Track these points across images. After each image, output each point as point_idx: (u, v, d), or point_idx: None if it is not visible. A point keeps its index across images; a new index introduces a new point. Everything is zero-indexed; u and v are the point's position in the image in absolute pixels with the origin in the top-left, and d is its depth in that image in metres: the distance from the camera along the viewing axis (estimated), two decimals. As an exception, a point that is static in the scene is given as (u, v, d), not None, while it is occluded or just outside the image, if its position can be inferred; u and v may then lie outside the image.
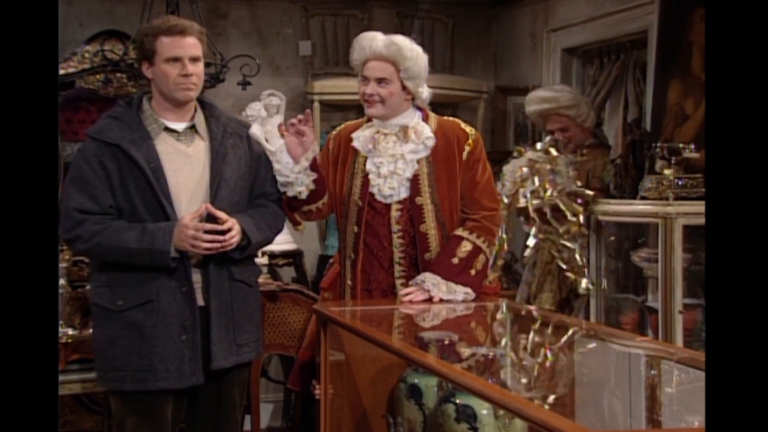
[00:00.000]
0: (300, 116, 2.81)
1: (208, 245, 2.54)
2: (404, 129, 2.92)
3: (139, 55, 2.67)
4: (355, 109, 5.17)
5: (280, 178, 2.82)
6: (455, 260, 2.85)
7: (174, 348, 2.56)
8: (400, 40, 2.89)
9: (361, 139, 2.96)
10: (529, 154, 3.58)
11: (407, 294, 2.84)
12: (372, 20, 5.13)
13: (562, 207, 3.42)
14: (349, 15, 5.13)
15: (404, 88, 2.89)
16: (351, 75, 5.11)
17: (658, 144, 3.41)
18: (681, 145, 3.32)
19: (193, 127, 2.68)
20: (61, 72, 4.36)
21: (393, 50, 2.86)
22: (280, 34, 5.08)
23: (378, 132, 2.94)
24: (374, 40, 2.89)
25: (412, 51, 2.88)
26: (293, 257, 4.66)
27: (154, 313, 2.55)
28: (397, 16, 5.15)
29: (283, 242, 4.55)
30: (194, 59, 2.63)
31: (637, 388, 2.17)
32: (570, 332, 2.65)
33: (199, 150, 2.66)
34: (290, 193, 2.83)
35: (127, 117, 2.63)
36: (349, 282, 2.95)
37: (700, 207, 3.41)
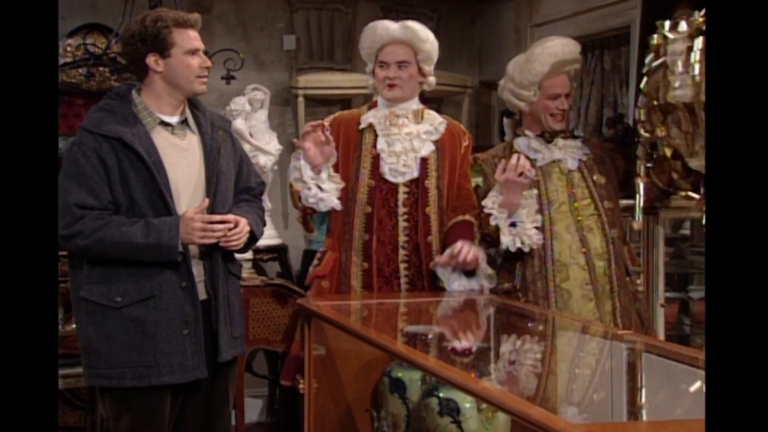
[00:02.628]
0: (314, 123, 2.84)
1: (220, 234, 2.54)
2: (417, 112, 2.99)
3: (144, 48, 2.57)
4: (339, 104, 5.17)
5: (310, 199, 2.86)
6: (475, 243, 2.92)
7: (177, 343, 2.54)
8: (415, 24, 2.98)
9: (378, 117, 2.98)
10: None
11: (460, 251, 2.81)
12: (357, 15, 5.13)
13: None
14: (334, 9, 5.12)
15: (419, 71, 2.96)
16: (336, 69, 5.12)
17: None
18: (663, 140, 3.33)
19: (185, 121, 2.67)
20: (43, 66, 4.33)
21: (410, 34, 2.93)
22: (264, 29, 5.06)
23: (391, 113, 2.98)
24: (390, 25, 2.96)
25: (426, 34, 2.97)
26: (278, 252, 4.66)
27: (156, 308, 2.52)
28: (381, 11, 5.15)
29: (267, 237, 4.54)
30: (205, 52, 2.65)
31: (619, 381, 2.19)
32: (553, 326, 2.67)
33: (192, 144, 2.65)
34: (323, 208, 2.88)
35: (122, 110, 2.58)
36: (364, 264, 2.93)
37: (682, 202, 3.44)
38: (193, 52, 2.59)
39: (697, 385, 1.99)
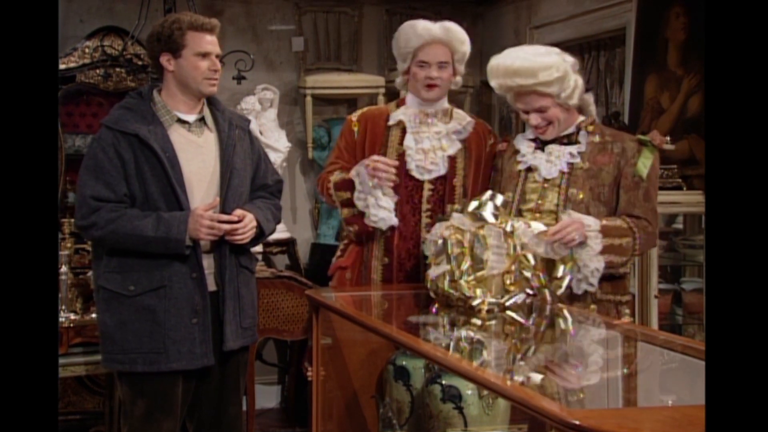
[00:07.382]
0: (387, 163, 2.79)
1: (227, 228, 2.55)
2: (447, 111, 2.94)
3: (159, 47, 2.61)
4: (345, 103, 5.17)
5: (372, 218, 2.82)
6: None
7: (185, 331, 2.56)
8: (455, 26, 2.92)
9: (408, 115, 2.92)
10: (454, 218, 2.59)
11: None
12: (362, 17, 5.12)
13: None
14: (340, 12, 5.11)
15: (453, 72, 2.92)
16: (342, 70, 5.11)
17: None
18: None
19: (202, 119, 2.69)
20: (63, 67, 4.34)
21: (451, 35, 2.88)
22: (273, 31, 5.05)
23: (421, 111, 2.93)
24: (431, 25, 2.89)
25: (464, 36, 2.92)
26: (287, 245, 4.67)
27: (166, 298, 2.55)
28: (386, 14, 5.14)
29: (277, 231, 4.53)
30: (218, 56, 2.66)
31: (615, 369, 2.19)
32: (552, 316, 2.66)
33: (209, 141, 2.67)
34: (384, 227, 2.83)
35: (141, 108, 2.62)
36: (385, 259, 2.89)
37: (675, 197, 3.43)
38: (204, 55, 2.60)
39: (690, 373, 1.98)
